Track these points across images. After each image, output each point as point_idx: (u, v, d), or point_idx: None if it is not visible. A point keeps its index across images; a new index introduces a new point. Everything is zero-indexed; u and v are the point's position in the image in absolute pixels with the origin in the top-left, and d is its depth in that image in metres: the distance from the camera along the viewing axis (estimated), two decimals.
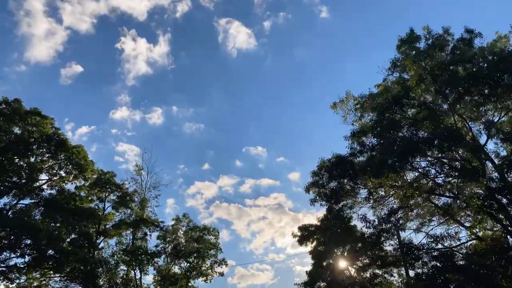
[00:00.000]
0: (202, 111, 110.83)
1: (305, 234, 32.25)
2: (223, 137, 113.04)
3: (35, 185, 30.27)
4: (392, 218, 26.08)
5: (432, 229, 26.49)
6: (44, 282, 30.79)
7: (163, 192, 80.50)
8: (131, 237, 36.49)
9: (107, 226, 35.58)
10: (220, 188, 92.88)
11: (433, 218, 26.71)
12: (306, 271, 31.10)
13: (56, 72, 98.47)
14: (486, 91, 22.36)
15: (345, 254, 30.44)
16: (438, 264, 24.01)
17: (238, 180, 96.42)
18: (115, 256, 34.71)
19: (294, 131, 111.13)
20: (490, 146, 28.31)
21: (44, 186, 31.09)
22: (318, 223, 32.16)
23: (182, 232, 37.96)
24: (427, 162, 24.40)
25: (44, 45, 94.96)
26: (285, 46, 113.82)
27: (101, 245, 35.45)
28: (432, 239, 25.42)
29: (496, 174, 22.54)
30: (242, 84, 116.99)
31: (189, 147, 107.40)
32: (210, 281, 37.01)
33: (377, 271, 29.58)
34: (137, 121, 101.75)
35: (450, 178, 23.52)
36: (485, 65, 22.40)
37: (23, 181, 29.53)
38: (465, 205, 23.26)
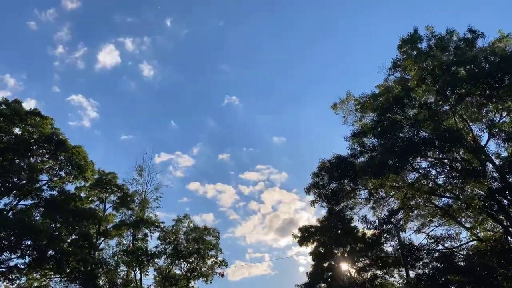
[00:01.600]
0: None
1: (305, 235, 32.18)
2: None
3: (35, 185, 30.26)
4: (393, 219, 26.02)
5: (432, 230, 26.50)
6: (44, 282, 30.77)
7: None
8: (131, 237, 36.48)
9: (108, 227, 35.57)
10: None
11: (433, 219, 26.67)
12: (307, 273, 31.03)
13: None
14: (487, 91, 22.29)
15: (346, 255, 30.36)
16: (439, 265, 23.98)
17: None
18: (116, 257, 34.69)
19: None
20: (491, 146, 28.26)
21: (44, 187, 31.08)
22: (319, 224, 32.11)
23: (182, 233, 37.94)
24: (427, 163, 24.36)
25: None
26: None
27: (102, 245, 35.44)
28: (433, 240, 25.38)
29: (496, 174, 22.47)
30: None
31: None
32: (211, 282, 37.03)
33: (377, 271, 29.53)
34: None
35: (451, 179, 23.46)
36: (487, 65, 22.32)
37: (23, 181, 29.53)
38: (465, 206, 23.23)
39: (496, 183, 22.19)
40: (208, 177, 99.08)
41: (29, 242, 26.43)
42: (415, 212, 26.71)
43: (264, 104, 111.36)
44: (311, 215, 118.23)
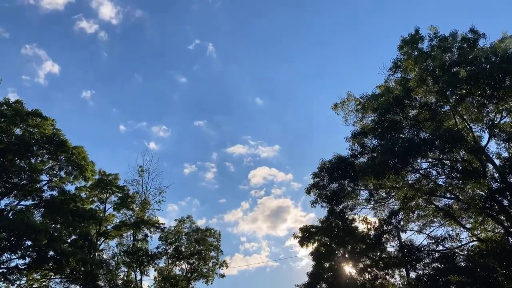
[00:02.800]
0: None
1: (306, 235, 32.17)
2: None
3: (35, 186, 30.27)
4: (393, 220, 26.05)
5: (433, 230, 26.51)
6: (44, 283, 30.74)
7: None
8: (131, 238, 36.47)
9: (108, 227, 35.56)
10: None
11: (434, 220, 26.67)
12: (307, 273, 31.00)
13: None
14: (488, 92, 22.29)
15: (347, 256, 30.33)
16: (439, 266, 23.99)
17: None
18: (116, 258, 34.63)
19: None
20: (492, 147, 28.27)
21: (45, 187, 31.11)
22: (319, 224, 32.09)
23: (184, 234, 37.92)
24: (428, 164, 24.36)
25: None
26: None
27: (102, 246, 35.39)
28: (433, 241, 25.39)
29: (497, 175, 22.47)
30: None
31: None
32: (211, 283, 36.98)
33: (378, 272, 29.48)
34: None
35: (451, 180, 23.47)
36: (488, 66, 22.31)
37: (24, 182, 29.55)
38: (466, 206, 23.25)
39: (496, 183, 22.23)
40: (186, 152, 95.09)
41: (29, 243, 26.43)
42: (416, 212, 26.71)
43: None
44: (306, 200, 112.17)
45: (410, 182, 24.80)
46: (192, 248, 36.85)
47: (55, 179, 31.41)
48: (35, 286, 30.40)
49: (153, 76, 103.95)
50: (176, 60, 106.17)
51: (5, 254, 26.60)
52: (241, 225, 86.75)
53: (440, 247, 25.42)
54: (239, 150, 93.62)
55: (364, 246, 29.15)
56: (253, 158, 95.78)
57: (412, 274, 25.38)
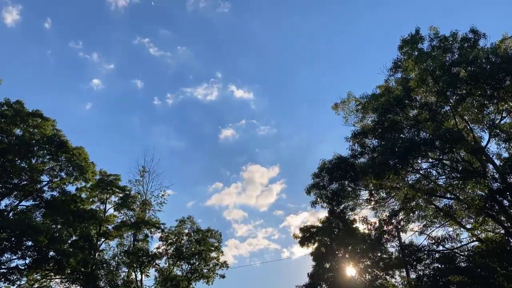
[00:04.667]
0: None
1: (307, 235, 32.20)
2: None
3: (36, 186, 30.31)
4: (393, 220, 26.03)
5: (433, 230, 26.45)
6: (45, 283, 30.77)
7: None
8: (132, 238, 36.49)
9: (108, 228, 35.58)
10: None
11: (434, 220, 26.63)
12: (308, 273, 31.03)
13: None
14: (488, 92, 22.27)
15: (347, 256, 30.36)
16: (440, 266, 23.97)
17: None
18: (116, 258, 34.67)
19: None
20: (492, 147, 28.22)
21: (45, 188, 31.14)
22: (320, 225, 32.12)
23: (185, 234, 37.94)
24: (428, 164, 24.33)
25: None
26: None
27: (102, 246, 35.44)
28: (434, 241, 25.34)
29: (497, 175, 22.44)
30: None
31: None
32: (212, 283, 37.00)
33: (378, 272, 29.47)
34: None
35: (451, 180, 23.45)
36: (488, 66, 22.29)
37: (24, 182, 29.60)
38: (466, 206, 23.22)
39: (496, 184, 22.20)
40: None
41: (29, 243, 26.47)
42: (416, 213, 26.68)
43: None
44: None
45: (410, 182, 24.77)
46: (193, 249, 36.88)
47: (56, 179, 31.45)
48: (35, 286, 30.43)
49: None
50: None
51: (5, 254, 26.67)
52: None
53: (441, 248, 25.38)
54: None
55: (364, 247, 29.15)
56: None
57: (413, 275, 25.39)
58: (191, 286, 36.75)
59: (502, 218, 22.80)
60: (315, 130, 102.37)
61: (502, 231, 23.81)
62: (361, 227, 29.13)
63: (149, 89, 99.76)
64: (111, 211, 36.76)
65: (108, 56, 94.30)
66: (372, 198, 27.13)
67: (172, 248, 36.70)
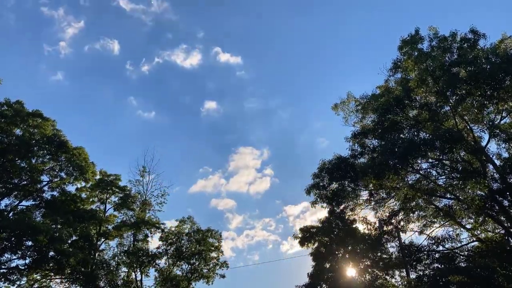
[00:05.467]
0: None
1: (307, 235, 32.18)
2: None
3: (36, 186, 30.31)
4: (393, 220, 26.04)
5: (433, 230, 26.47)
6: (45, 283, 30.79)
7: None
8: (132, 238, 36.48)
9: (108, 228, 35.57)
10: None
11: (434, 220, 26.64)
12: (308, 273, 31.02)
13: None
14: (488, 92, 22.28)
15: (347, 256, 30.33)
16: (440, 266, 23.97)
17: None
18: (116, 258, 34.67)
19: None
20: (492, 147, 28.26)
21: (45, 188, 31.16)
22: (320, 225, 32.11)
23: (185, 234, 37.95)
24: (428, 164, 24.34)
25: None
26: None
27: (102, 246, 35.43)
28: (434, 241, 25.36)
29: (497, 175, 22.46)
30: None
31: None
32: (212, 283, 37.02)
33: (378, 272, 29.47)
34: None
35: (451, 180, 23.47)
36: (488, 66, 22.30)
37: (24, 182, 29.61)
38: (466, 207, 23.23)
39: (496, 184, 22.21)
40: None
41: (29, 243, 26.50)
42: (416, 213, 26.69)
43: None
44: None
45: (410, 182, 24.77)
46: (193, 249, 36.89)
47: (56, 179, 31.46)
48: (35, 286, 30.44)
49: None
50: None
51: (5, 254, 26.69)
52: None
53: (440, 248, 25.40)
54: None
55: (364, 247, 29.14)
56: None
57: (413, 275, 25.40)
58: (191, 286, 36.77)
59: (502, 218, 22.82)
60: (311, 103, 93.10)
61: (502, 231, 23.82)
62: (361, 227, 29.14)
63: (123, 53, 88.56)
64: (111, 211, 36.79)
65: (77, 13, 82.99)
66: (372, 198, 27.10)
67: (172, 248, 36.71)
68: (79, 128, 76.84)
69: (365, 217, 28.20)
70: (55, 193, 31.35)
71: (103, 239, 35.32)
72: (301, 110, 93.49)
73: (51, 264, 27.90)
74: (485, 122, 23.99)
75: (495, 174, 22.80)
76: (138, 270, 35.25)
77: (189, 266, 37.16)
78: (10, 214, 28.33)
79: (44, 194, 30.79)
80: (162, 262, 36.52)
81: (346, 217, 30.11)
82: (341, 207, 28.90)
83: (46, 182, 31.23)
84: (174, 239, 37.10)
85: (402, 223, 26.56)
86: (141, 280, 35.28)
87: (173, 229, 37.64)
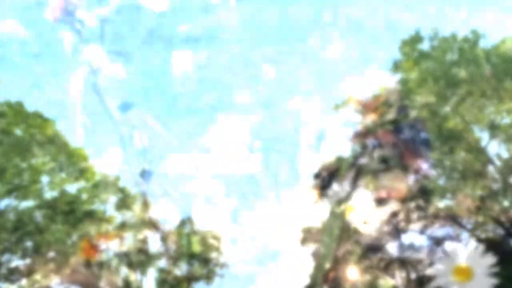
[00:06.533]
0: None
1: (307, 235, 32.18)
2: None
3: (36, 186, 30.30)
4: (393, 220, 26.06)
5: (433, 231, 26.45)
6: (45, 284, 30.77)
7: None
8: (132, 239, 36.44)
9: (108, 228, 35.55)
10: None
11: (434, 220, 26.64)
12: (308, 273, 31.02)
13: None
14: (488, 92, 22.31)
15: (347, 256, 30.33)
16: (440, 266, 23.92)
17: None
18: (116, 258, 34.65)
19: None
20: (492, 148, 28.19)
21: (46, 188, 31.12)
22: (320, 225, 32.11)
23: (185, 235, 37.95)
24: (428, 164, 24.36)
25: None
26: None
27: (102, 247, 35.40)
28: (434, 241, 25.35)
29: (497, 176, 22.47)
30: None
31: None
32: (212, 283, 36.98)
33: (379, 273, 29.49)
34: None
35: (452, 180, 23.50)
36: (488, 66, 22.32)
37: (24, 183, 29.59)
38: (466, 207, 23.24)
39: (496, 184, 22.20)
40: None
41: (30, 243, 26.50)
42: (416, 213, 26.69)
43: None
44: None
45: (410, 182, 24.80)
46: (193, 249, 36.88)
47: (56, 180, 31.44)
48: (35, 286, 30.43)
49: None
50: None
51: (6, 254, 26.69)
52: None
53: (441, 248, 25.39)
54: None
55: (365, 247, 29.15)
56: None
57: (413, 275, 25.38)
58: (191, 286, 36.77)
59: (502, 219, 22.82)
60: None
61: (502, 232, 23.82)
62: (361, 227, 29.13)
63: None
64: (111, 211, 36.76)
65: None
66: (372, 198, 27.14)
67: (172, 249, 36.69)
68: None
69: (365, 217, 28.20)
70: (55, 193, 31.34)
71: (103, 240, 35.30)
72: None
73: (51, 265, 27.91)
74: (485, 122, 24.01)
75: (495, 174, 22.82)
76: (138, 271, 35.23)
77: (189, 266, 37.16)
78: (10, 215, 28.34)
79: (44, 195, 30.79)
80: (162, 263, 36.55)
81: (346, 217, 30.14)
82: (341, 207, 28.92)
83: (46, 183, 31.22)
84: (174, 239, 37.10)
85: (402, 223, 26.58)
86: (141, 280, 35.28)
87: (173, 229, 37.66)
